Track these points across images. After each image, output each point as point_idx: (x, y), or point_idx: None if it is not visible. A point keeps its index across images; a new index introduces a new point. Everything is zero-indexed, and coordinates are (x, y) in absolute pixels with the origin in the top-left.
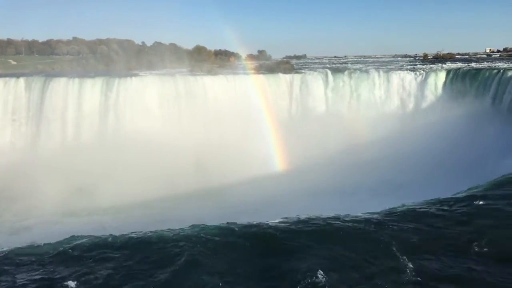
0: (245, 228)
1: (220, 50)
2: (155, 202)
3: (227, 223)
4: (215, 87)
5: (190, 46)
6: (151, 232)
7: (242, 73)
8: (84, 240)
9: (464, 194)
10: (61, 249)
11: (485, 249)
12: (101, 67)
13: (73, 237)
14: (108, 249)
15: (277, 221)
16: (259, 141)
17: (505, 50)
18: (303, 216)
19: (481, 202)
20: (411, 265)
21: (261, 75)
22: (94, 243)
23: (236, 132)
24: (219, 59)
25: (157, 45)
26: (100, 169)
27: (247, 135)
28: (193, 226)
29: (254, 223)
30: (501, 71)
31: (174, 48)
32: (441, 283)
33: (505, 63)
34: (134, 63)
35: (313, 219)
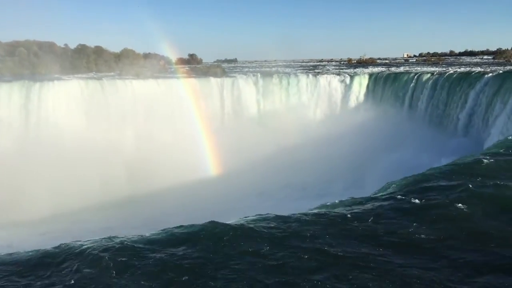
0: (174, 232)
1: (149, 53)
2: (76, 214)
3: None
4: (145, 91)
5: (117, 49)
6: (53, 248)
7: (173, 76)
8: None
9: (381, 193)
10: None
11: (400, 241)
12: (19, 70)
13: None
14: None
15: (206, 223)
16: (191, 145)
17: (420, 55)
18: (231, 220)
19: (399, 197)
20: (334, 262)
21: (192, 79)
22: None
23: (167, 137)
24: (148, 63)
25: (82, 47)
26: (18, 182)
27: (179, 139)
28: (109, 238)
29: (185, 225)
30: (417, 75)
31: (100, 51)
32: (361, 279)
33: (421, 67)
34: (57, 67)
35: (239, 222)
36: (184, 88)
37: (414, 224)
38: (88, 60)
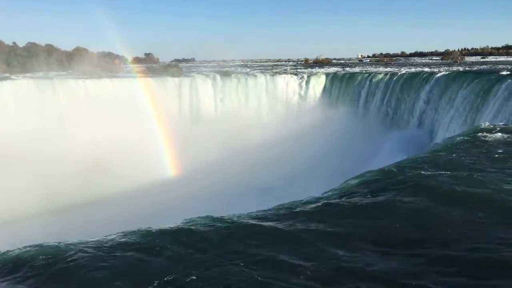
0: (128, 236)
1: (103, 52)
2: (21, 220)
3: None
4: (99, 91)
5: (69, 47)
6: None
7: (129, 76)
8: None
9: (337, 191)
10: None
11: (362, 238)
12: None
13: None
14: None
15: (163, 227)
16: (150, 146)
17: (374, 55)
18: (183, 222)
19: (354, 194)
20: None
21: (149, 79)
22: None
23: (124, 138)
24: (102, 62)
25: (31, 46)
26: None
27: (136, 141)
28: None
29: (142, 229)
30: (371, 75)
31: (51, 49)
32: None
33: (374, 67)
34: (4, 66)
35: (192, 223)
36: (141, 88)
37: (370, 221)
38: (39, 59)
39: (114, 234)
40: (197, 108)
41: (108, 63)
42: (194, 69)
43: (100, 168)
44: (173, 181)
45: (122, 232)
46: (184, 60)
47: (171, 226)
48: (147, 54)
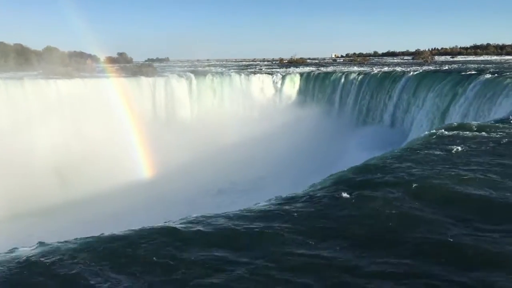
0: (105, 240)
1: (75, 51)
2: None
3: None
4: (71, 91)
5: (39, 47)
6: None
7: (102, 76)
8: None
9: (311, 190)
10: None
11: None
12: None
13: None
14: None
15: (138, 229)
16: (123, 147)
17: (347, 55)
18: (158, 224)
19: (329, 193)
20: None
21: (122, 79)
22: None
23: (98, 139)
24: (74, 61)
25: (0, 45)
26: None
27: (110, 142)
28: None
29: (119, 233)
30: (345, 74)
31: (20, 49)
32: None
33: (348, 67)
34: None
35: (166, 225)
36: (114, 88)
37: (345, 219)
38: (7, 58)
39: (86, 237)
40: (172, 108)
41: (80, 63)
42: (168, 69)
43: (72, 169)
44: (146, 183)
45: (91, 236)
46: (158, 60)
47: (142, 228)
48: (120, 54)
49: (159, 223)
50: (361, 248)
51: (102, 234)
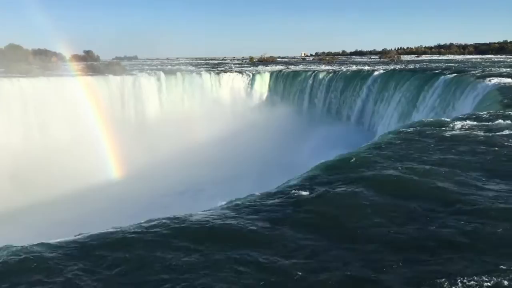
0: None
1: (39, 49)
2: None
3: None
4: (34, 90)
5: (1, 44)
6: None
7: (67, 74)
8: None
9: (282, 188)
10: None
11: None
12: None
13: None
14: None
15: (106, 231)
16: (91, 148)
17: (316, 54)
18: (123, 226)
19: (298, 190)
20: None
21: (89, 77)
22: None
23: (64, 140)
24: (38, 59)
25: None
26: None
27: (77, 142)
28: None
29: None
30: (314, 73)
31: None
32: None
33: (317, 65)
34: None
35: (140, 225)
36: (81, 86)
37: (315, 215)
38: None
39: (52, 240)
40: (141, 107)
41: (45, 61)
42: (137, 67)
43: (37, 170)
44: (115, 184)
45: (58, 239)
46: (126, 58)
47: (110, 230)
48: (87, 52)
49: (125, 225)
50: (333, 240)
51: (68, 237)
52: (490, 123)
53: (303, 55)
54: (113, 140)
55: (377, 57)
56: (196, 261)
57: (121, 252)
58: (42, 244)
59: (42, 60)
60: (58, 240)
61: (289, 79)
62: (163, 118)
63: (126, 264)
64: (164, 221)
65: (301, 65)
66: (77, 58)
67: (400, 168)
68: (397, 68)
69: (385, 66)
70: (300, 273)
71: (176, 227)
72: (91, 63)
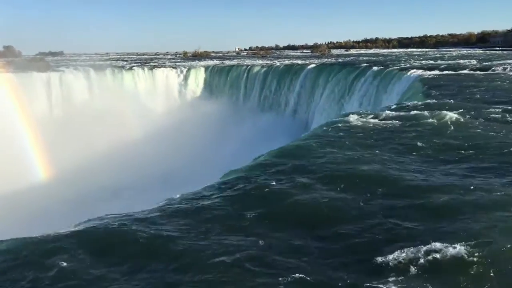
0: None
1: None
2: None
3: None
4: None
5: None
6: None
7: None
8: None
9: (221, 182)
10: None
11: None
12: None
13: None
14: None
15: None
16: (15, 149)
17: (250, 48)
18: (48, 232)
19: (239, 184)
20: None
21: (10, 74)
22: None
23: None
24: None
25: None
26: None
27: None
28: None
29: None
30: (249, 67)
31: None
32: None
33: (251, 60)
34: None
35: (79, 227)
36: (1, 85)
37: (256, 209)
38: None
39: None
40: (69, 104)
41: None
42: (63, 63)
43: None
44: (42, 186)
45: None
46: (51, 54)
47: (49, 233)
48: (7, 47)
49: (50, 231)
50: (283, 229)
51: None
52: (414, 112)
53: (237, 49)
54: (41, 140)
55: (308, 51)
56: (122, 269)
57: (40, 258)
58: None
59: None
60: None
61: (224, 73)
62: (93, 117)
63: (43, 271)
64: (88, 224)
65: (235, 60)
66: None
67: (336, 157)
68: (328, 62)
69: (317, 60)
70: (241, 272)
71: (101, 230)
72: (12, 59)
